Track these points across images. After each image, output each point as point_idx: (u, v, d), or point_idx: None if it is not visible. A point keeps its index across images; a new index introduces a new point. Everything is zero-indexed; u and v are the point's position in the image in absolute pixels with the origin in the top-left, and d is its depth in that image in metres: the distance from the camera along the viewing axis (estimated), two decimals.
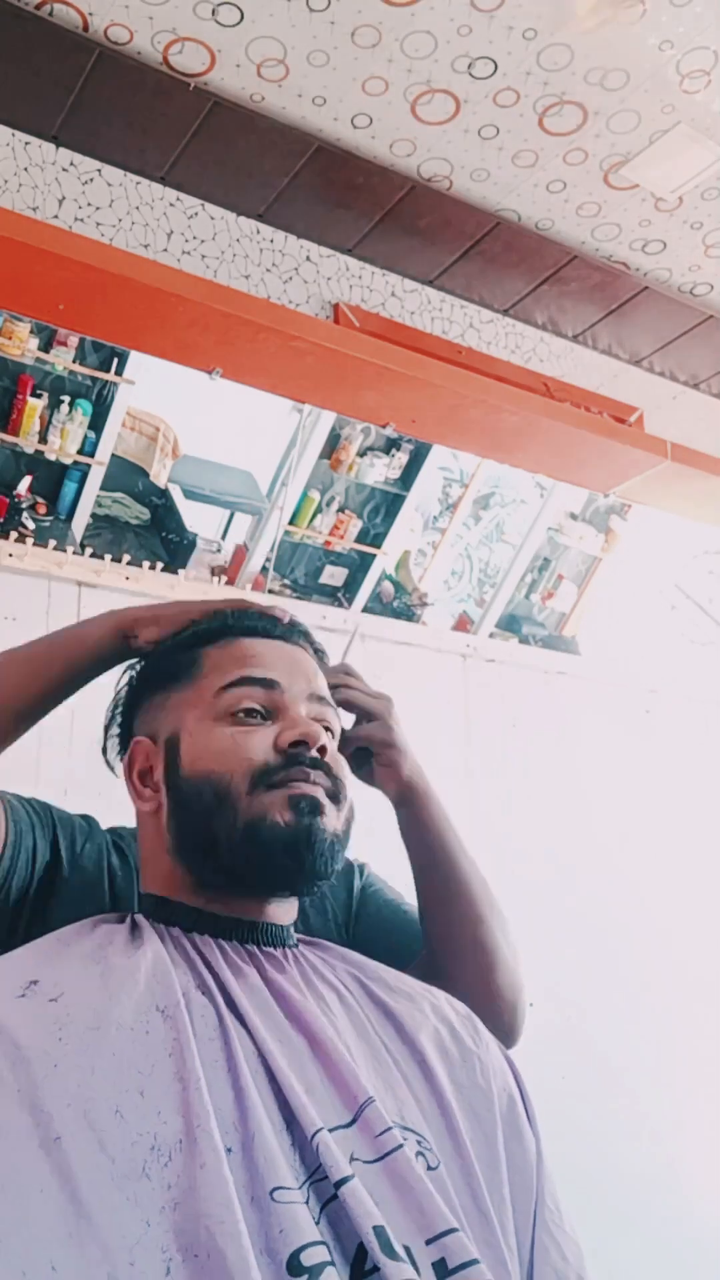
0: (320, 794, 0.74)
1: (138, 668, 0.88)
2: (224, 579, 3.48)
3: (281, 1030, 0.65)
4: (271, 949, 0.74)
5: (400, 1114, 0.64)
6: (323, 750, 0.75)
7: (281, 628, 0.83)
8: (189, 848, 0.75)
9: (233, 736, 0.75)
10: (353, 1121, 0.61)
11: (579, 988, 2.76)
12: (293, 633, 0.85)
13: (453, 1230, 0.56)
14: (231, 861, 0.73)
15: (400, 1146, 0.60)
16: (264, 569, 4.04)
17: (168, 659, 0.83)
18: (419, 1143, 0.63)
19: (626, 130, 1.89)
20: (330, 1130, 0.59)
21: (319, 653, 0.88)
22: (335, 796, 0.76)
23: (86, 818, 0.97)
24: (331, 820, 0.74)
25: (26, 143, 1.99)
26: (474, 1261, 0.55)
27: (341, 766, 0.79)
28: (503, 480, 5.62)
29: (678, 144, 1.90)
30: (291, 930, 0.78)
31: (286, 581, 4.54)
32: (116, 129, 1.98)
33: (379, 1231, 0.54)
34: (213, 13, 1.69)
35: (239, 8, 1.68)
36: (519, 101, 1.84)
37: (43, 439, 3.74)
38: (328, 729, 0.80)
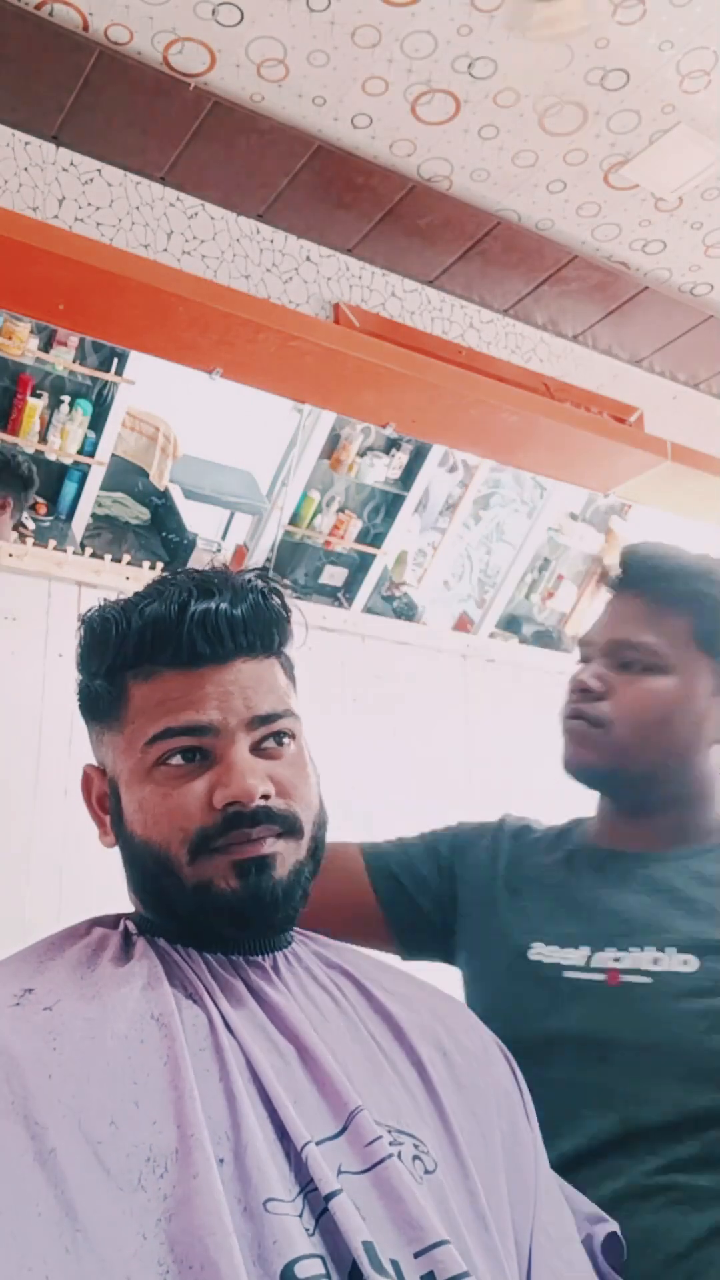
0: (267, 846, 0.68)
1: (78, 679, 0.78)
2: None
3: (270, 1041, 0.64)
4: (260, 957, 0.71)
5: (396, 1117, 0.64)
6: (266, 796, 0.68)
7: (209, 645, 0.70)
8: (144, 900, 0.73)
9: (164, 799, 0.68)
10: (341, 1132, 0.60)
11: None
12: (231, 644, 0.71)
13: (442, 1243, 0.56)
14: (188, 920, 0.70)
15: (389, 1156, 0.59)
16: (264, 569, 4.03)
17: (95, 691, 0.74)
18: (416, 1146, 0.62)
19: (626, 130, 1.89)
20: (318, 1143, 0.58)
21: (268, 642, 0.73)
22: (291, 831, 0.70)
23: (479, 826, 1.05)
24: (286, 862, 0.69)
25: (26, 143, 1.99)
26: (464, 1275, 0.54)
27: (298, 786, 0.71)
28: (503, 480, 5.62)
29: (678, 144, 1.90)
30: (286, 934, 0.75)
31: (287, 581, 4.54)
32: (116, 129, 1.98)
33: (368, 1246, 0.54)
34: (213, 13, 1.69)
35: (239, 8, 1.68)
36: (519, 101, 1.84)
37: (43, 439, 3.74)
38: (283, 735, 0.72)
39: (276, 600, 0.75)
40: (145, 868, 0.70)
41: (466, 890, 0.98)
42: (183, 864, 0.68)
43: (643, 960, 0.81)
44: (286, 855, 0.70)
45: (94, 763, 0.77)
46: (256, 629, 0.72)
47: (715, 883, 0.85)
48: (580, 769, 0.96)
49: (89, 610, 0.76)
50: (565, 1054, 0.81)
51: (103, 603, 0.76)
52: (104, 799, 0.75)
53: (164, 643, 0.70)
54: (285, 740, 0.72)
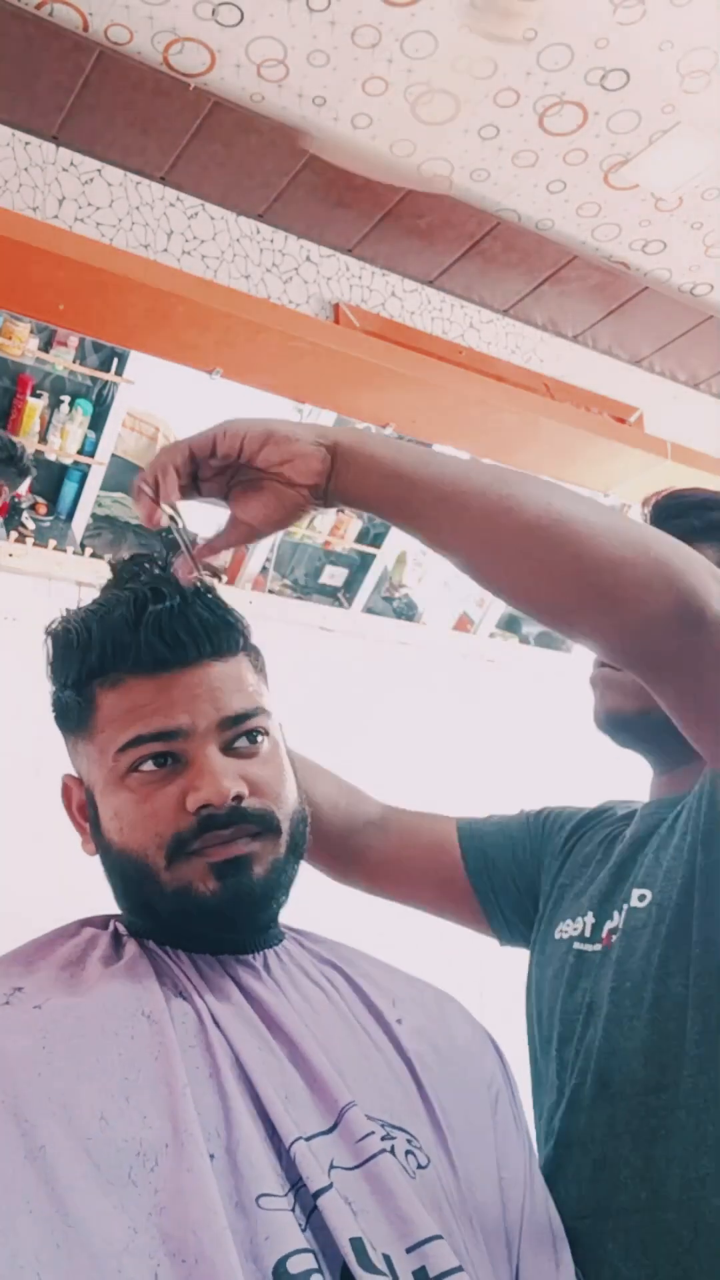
0: (244, 846, 0.68)
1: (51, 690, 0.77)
2: (224, 579, 3.48)
3: (260, 1039, 0.64)
4: (249, 955, 0.71)
5: (389, 1112, 0.64)
6: (239, 798, 0.67)
7: (169, 649, 0.70)
8: (126, 906, 0.73)
9: (138, 806, 0.68)
10: (333, 1127, 0.60)
11: None
12: (194, 648, 0.70)
13: (434, 1238, 0.56)
14: (170, 924, 0.69)
15: (381, 1152, 0.59)
16: (264, 569, 4.03)
17: (65, 701, 0.74)
18: (409, 1141, 0.62)
19: (626, 130, 1.89)
20: (309, 1138, 0.58)
21: (231, 641, 0.73)
22: (268, 829, 0.69)
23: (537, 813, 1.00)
24: (264, 860, 0.69)
25: (26, 143, 1.99)
26: (456, 1269, 0.54)
27: (272, 784, 0.71)
28: None
29: (678, 144, 1.90)
30: (275, 931, 0.75)
31: (287, 581, 4.54)
32: (116, 129, 1.98)
33: (355, 1243, 0.53)
34: (213, 13, 1.69)
35: (239, 8, 1.68)
36: (519, 101, 1.84)
37: (43, 439, 3.74)
38: (255, 733, 0.71)
39: (222, 616, 0.74)
40: (125, 875, 0.70)
41: (546, 877, 0.93)
42: (160, 869, 0.68)
43: (624, 913, 0.77)
44: (264, 854, 0.69)
45: (72, 773, 0.77)
46: (213, 627, 0.72)
47: None
48: (608, 716, 0.88)
49: (52, 622, 0.76)
50: (577, 1031, 0.77)
51: (65, 612, 0.76)
52: (84, 808, 0.75)
53: (125, 650, 0.70)
54: (258, 738, 0.72)
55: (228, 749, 0.70)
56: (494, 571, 0.68)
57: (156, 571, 0.74)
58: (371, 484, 0.69)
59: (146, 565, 0.75)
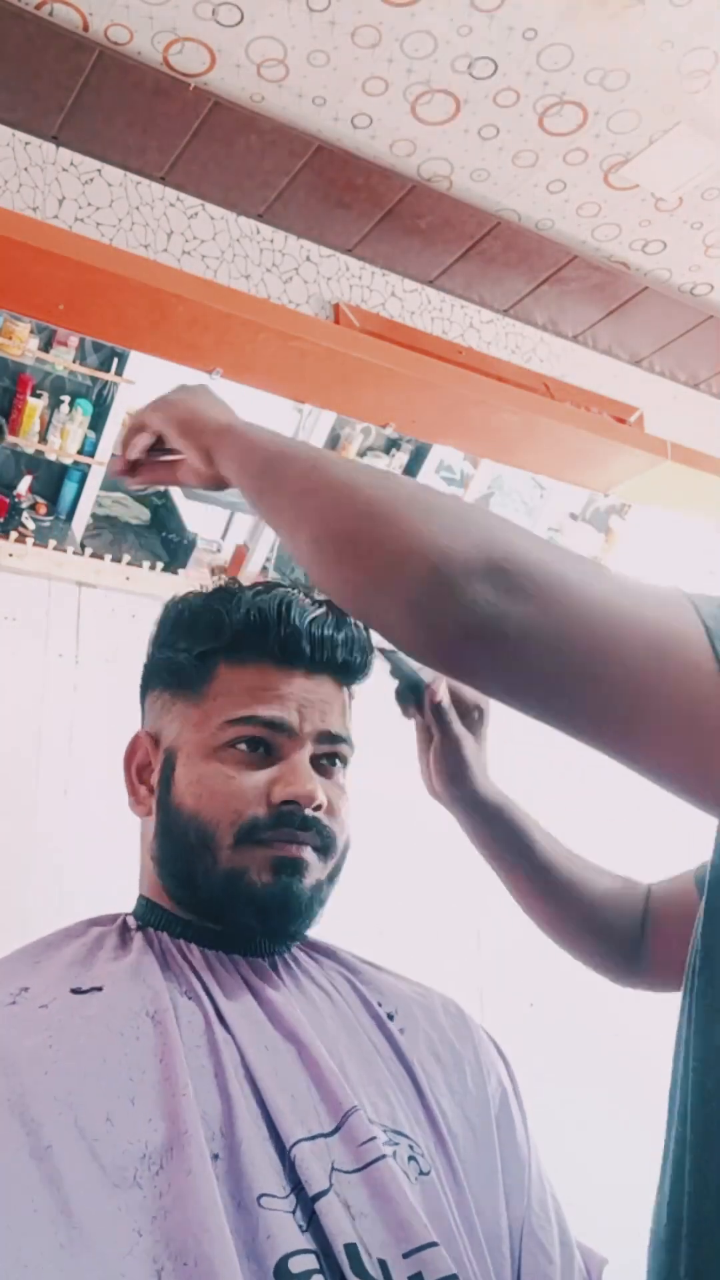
0: (306, 853, 0.70)
1: (152, 652, 0.81)
2: (224, 579, 3.49)
3: (268, 1039, 0.64)
4: (260, 957, 0.72)
5: (393, 1118, 0.64)
6: (318, 807, 0.71)
7: (310, 648, 0.74)
8: (169, 871, 0.74)
9: (227, 780, 0.70)
10: (336, 1130, 0.60)
11: (582, 985, 2.75)
12: (322, 662, 0.75)
13: (431, 1244, 0.56)
14: (206, 902, 0.71)
15: (383, 1157, 0.59)
16: (264, 569, 4.03)
17: (180, 664, 0.76)
18: (411, 1147, 0.62)
19: (626, 130, 1.89)
20: (311, 1139, 0.59)
21: (362, 671, 0.78)
22: (325, 850, 0.72)
23: None
24: (314, 875, 0.71)
25: (26, 143, 1.99)
26: (452, 1277, 0.55)
27: (340, 810, 0.74)
28: (503, 480, 5.62)
29: (678, 144, 1.90)
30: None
31: (286, 582, 4.53)
32: (116, 129, 1.98)
33: (350, 1249, 0.54)
34: (213, 13, 1.69)
35: (239, 8, 1.68)
36: (519, 101, 1.84)
37: (43, 439, 3.74)
38: (338, 758, 0.76)
39: (366, 640, 0.78)
40: (185, 842, 0.71)
41: None
42: (224, 845, 0.70)
43: None
44: (316, 870, 0.72)
45: (146, 730, 0.79)
46: (353, 653, 0.77)
47: None
48: None
49: (186, 594, 0.80)
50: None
51: (200, 587, 0.80)
52: (145, 770, 0.77)
53: (268, 634, 0.74)
54: (338, 764, 0.76)
55: (314, 761, 0.74)
56: (312, 575, 0.62)
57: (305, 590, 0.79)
58: (237, 484, 0.72)
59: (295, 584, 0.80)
